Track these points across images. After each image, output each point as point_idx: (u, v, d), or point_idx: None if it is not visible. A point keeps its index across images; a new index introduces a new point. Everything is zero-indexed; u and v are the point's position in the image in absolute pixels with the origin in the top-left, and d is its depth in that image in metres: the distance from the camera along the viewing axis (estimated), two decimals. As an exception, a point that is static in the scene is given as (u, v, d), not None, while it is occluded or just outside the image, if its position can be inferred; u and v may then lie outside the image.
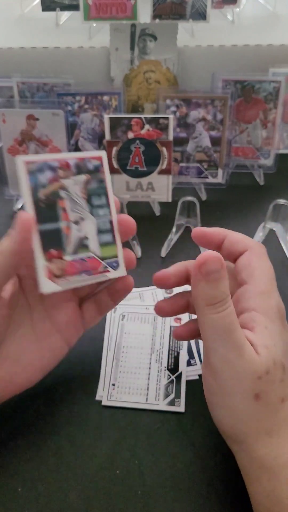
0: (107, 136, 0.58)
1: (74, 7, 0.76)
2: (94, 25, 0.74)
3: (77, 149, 0.65)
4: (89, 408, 0.38)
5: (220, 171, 0.64)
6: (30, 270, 0.32)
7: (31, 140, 0.60)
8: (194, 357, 0.42)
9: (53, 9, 0.78)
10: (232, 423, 0.29)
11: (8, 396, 0.34)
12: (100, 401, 0.39)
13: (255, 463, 0.28)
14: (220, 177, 0.65)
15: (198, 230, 0.35)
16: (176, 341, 0.43)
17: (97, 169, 0.34)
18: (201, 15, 0.72)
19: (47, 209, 0.32)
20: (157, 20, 0.71)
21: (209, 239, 0.35)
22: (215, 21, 0.76)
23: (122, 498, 0.32)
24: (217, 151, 0.63)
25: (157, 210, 0.62)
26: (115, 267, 0.35)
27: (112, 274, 0.35)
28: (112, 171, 0.59)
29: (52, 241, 0.32)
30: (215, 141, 0.63)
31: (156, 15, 0.71)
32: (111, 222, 0.35)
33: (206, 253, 0.29)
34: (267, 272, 0.32)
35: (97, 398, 0.39)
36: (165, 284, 0.36)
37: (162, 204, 0.63)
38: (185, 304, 0.36)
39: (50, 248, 0.32)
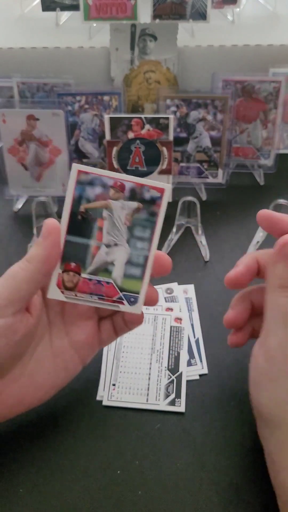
0: (107, 136, 0.58)
1: (74, 7, 0.76)
2: (94, 25, 0.74)
3: (77, 149, 0.65)
4: (90, 408, 0.38)
5: (220, 171, 0.64)
6: None
7: (31, 140, 0.60)
8: (194, 357, 0.42)
9: (53, 9, 0.78)
10: (271, 407, 0.29)
11: (13, 415, 0.33)
12: (101, 401, 0.39)
13: (286, 450, 0.28)
14: (220, 177, 0.65)
15: (264, 213, 0.33)
16: (176, 341, 0.43)
17: (154, 201, 0.32)
18: (201, 15, 0.72)
19: (82, 223, 0.32)
20: (157, 20, 0.71)
21: (274, 226, 0.32)
22: (215, 21, 0.76)
23: (123, 498, 0.32)
24: (217, 151, 0.63)
25: (157, 210, 0.62)
26: (131, 302, 0.33)
27: (125, 308, 0.33)
28: (112, 171, 0.59)
29: (75, 254, 0.33)
30: (215, 141, 0.63)
31: (156, 15, 0.71)
32: (146, 258, 0.33)
33: None
34: None
35: (98, 398, 0.39)
36: (240, 285, 0.34)
37: (162, 204, 0.63)
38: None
39: (71, 260, 0.33)
